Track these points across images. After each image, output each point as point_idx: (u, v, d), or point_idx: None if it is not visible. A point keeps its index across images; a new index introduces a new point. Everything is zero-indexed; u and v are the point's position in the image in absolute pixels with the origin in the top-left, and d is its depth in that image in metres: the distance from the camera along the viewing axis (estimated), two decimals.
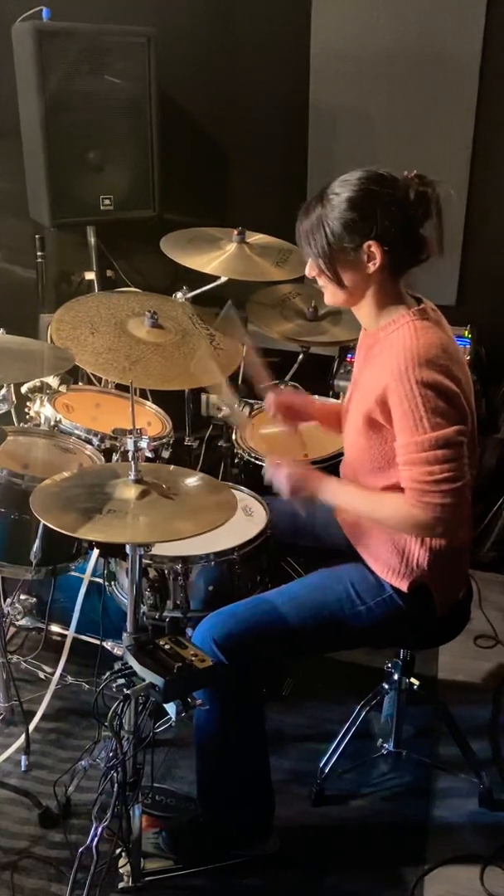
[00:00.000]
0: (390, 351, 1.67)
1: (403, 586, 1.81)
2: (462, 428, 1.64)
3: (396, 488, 1.73)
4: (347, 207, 1.66)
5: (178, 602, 2.05)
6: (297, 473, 1.84)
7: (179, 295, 2.68)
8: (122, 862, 1.86)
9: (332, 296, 1.78)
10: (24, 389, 2.45)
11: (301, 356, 2.77)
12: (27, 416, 2.49)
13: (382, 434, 1.72)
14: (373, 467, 1.78)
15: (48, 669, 2.44)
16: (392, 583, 1.82)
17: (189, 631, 1.97)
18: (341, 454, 2.35)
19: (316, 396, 2.68)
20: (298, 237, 1.76)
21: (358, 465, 1.83)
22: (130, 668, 1.64)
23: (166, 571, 2.04)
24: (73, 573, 2.27)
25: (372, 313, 1.76)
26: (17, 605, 2.47)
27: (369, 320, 1.79)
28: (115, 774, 1.70)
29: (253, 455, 2.44)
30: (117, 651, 2.25)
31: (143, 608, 2.04)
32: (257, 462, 2.42)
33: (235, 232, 2.67)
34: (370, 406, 1.69)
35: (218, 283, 2.62)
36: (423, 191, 1.65)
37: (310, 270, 1.77)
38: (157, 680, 1.56)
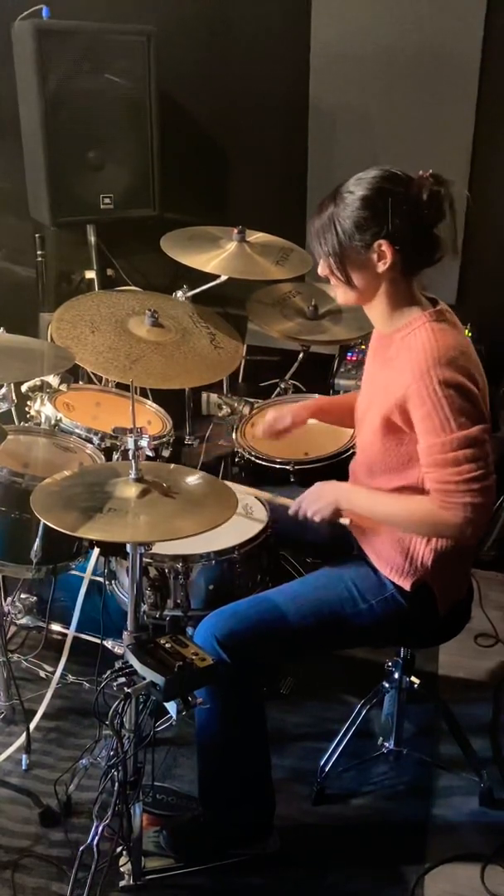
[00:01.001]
0: (408, 353, 1.67)
1: (406, 585, 1.81)
2: (486, 426, 1.64)
3: (411, 489, 1.74)
4: (360, 206, 1.65)
5: (179, 601, 2.05)
6: (314, 495, 1.84)
7: (180, 294, 2.68)
8: (122, 860, 1.86)
9: (343, 295, 1.78)
10: (24, 388, 2.45)
11: (301, 355, 2.77)
12: (27, 416, 2.49)
13: (399, 437, 1.72)
14: (388, 468, 1.78)
15: (49, 668, 2.44)
16: (395, 581, 1.82)
17: (189, 630, 1.98)
18: (342, 453, 2.37)
19: (315, 396, 2.69)
20: (310, 236, 1.76)
21: (373, 466, 1.83)
22: (131, 666, 1.64)
23: (167, 570, 2.04)
24: (73, 572, 2.27)
25: (385, 314, 1.76)
26: (17, 603, 2.47)
27: (382, 321, 1.78)
28: (115, 773, 1.70)
29: (253, 454, 2.44)
30: (118, 650, 2.25)
31: (144, 607, 2.04)
32: (258, 461, 2.42)
33: (235, 230, 2.67)
34: (389, 409, 1.69)
35: (218, 281, 2.61)
36: (437, 191, 1.64)
37: (322, 269, 1.76)
38: (158, 679, 1.56)
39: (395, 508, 1.77)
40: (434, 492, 1.66)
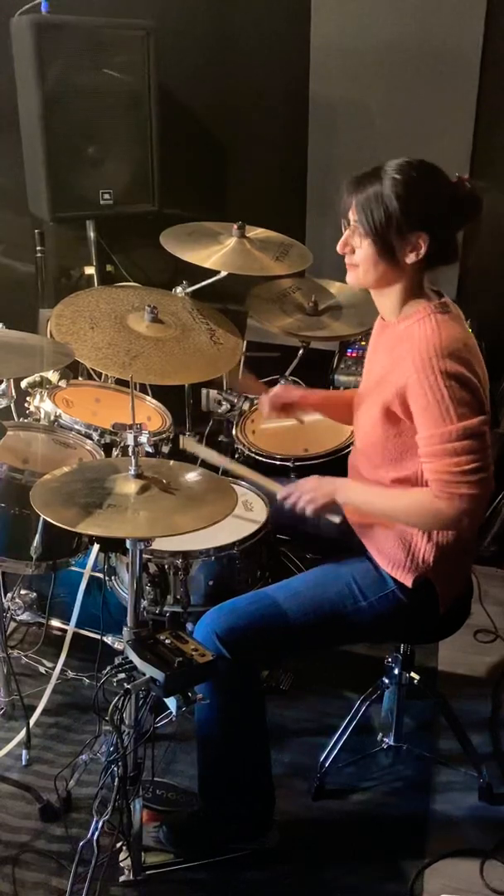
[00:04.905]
0: (410, 342, 1.67)
1: (408, 581, 1.81)
2: (486, 418, 1.64)
3: (408, 481, 1.73)
4: (409, 193, 1.63)
5: (179, 597, 2.05)
6: (311, 485, 1.83)
7: (179, 289, 2.67)
8: (122, 856, 1.87)
9: (360, 276, 1.74)
10: (23, 384, 2.45)
11: (301, 351, 2.77)
12: (27, 412, 2.49)
13: (398, 427, 1.72)
14: (385, 458, 1.78)
15: (49, 664, 2.44)
16: (397, 577, 1.82)
17: (189, 626, 1.98)
18: (341, 449, 2.37)
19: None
20: (347, 207, 1.69)
21: (371, 456, 1.83)
22: (131, 662, 1.64)
23: (166, 566, 2.04)
24: (73, 568, 2.27)
25: (395, 303, 1.75)
26: (17, 599, 2.48)
27: (391, 310, 1.77)
28: (115, 769, 1.70)
29: (254, 450, 2.44)
30: (118, 646, 2.26)
31: (144, 603, 2.04)
32: (258, 457, 2.41)
33: (235, 226, 2.66)
34: (389, 398, 1.69)
35: (217, 277, 2.61)
36: (473, 193, 1.67)
37: (342, 246, 1.73)
38: (158, 674, 1.56)
39: (392, 502, 1.77)
40: (432, 482, 1.66)
